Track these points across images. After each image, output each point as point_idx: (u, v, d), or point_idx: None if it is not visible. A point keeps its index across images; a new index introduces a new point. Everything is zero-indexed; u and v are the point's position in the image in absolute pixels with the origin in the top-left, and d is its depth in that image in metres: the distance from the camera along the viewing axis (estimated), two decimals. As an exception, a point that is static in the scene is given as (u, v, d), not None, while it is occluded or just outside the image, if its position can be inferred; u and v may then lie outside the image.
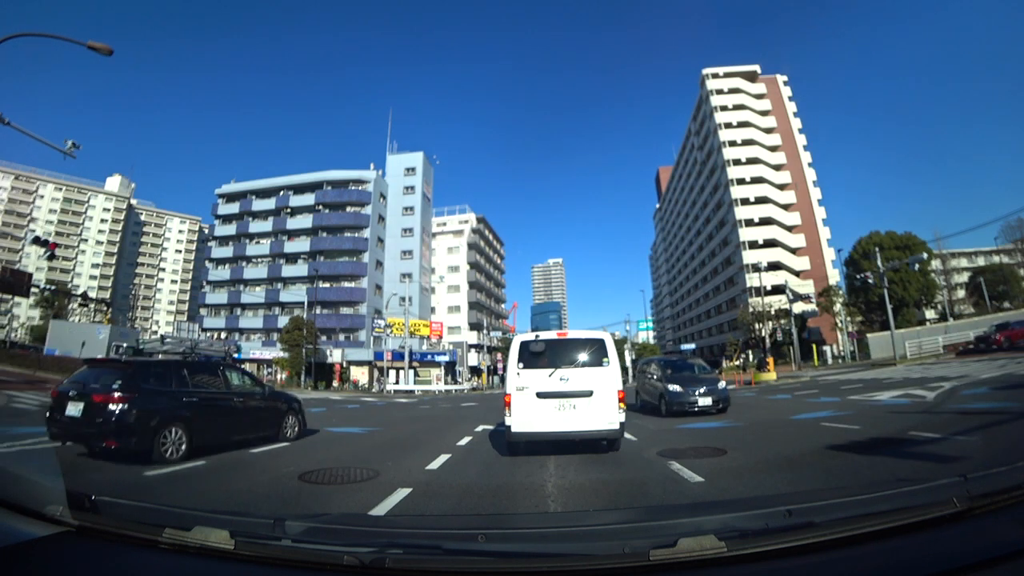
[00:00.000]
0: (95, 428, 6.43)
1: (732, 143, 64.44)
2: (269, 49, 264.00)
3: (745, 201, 62.19)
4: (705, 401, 11.91)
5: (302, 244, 59.40)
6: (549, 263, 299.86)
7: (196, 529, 1.37)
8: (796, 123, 66.28)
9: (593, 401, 6.71)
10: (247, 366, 51.67)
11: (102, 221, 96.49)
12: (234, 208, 63.63)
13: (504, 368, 11.23)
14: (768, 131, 65.24)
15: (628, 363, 57.38)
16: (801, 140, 65.44)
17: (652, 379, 14.03)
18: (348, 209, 59.77)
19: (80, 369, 7.55)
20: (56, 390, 7.06)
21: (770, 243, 60.41)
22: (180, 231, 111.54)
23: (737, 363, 49.78)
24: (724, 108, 66.27)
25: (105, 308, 49.21)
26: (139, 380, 7.01)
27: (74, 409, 6.60)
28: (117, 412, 6.46)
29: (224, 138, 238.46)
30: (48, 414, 6.90)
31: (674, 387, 12.38)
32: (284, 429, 9.17)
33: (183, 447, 6.94)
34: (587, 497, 4.76)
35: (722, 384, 12.73)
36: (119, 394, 6.58)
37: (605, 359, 6.95)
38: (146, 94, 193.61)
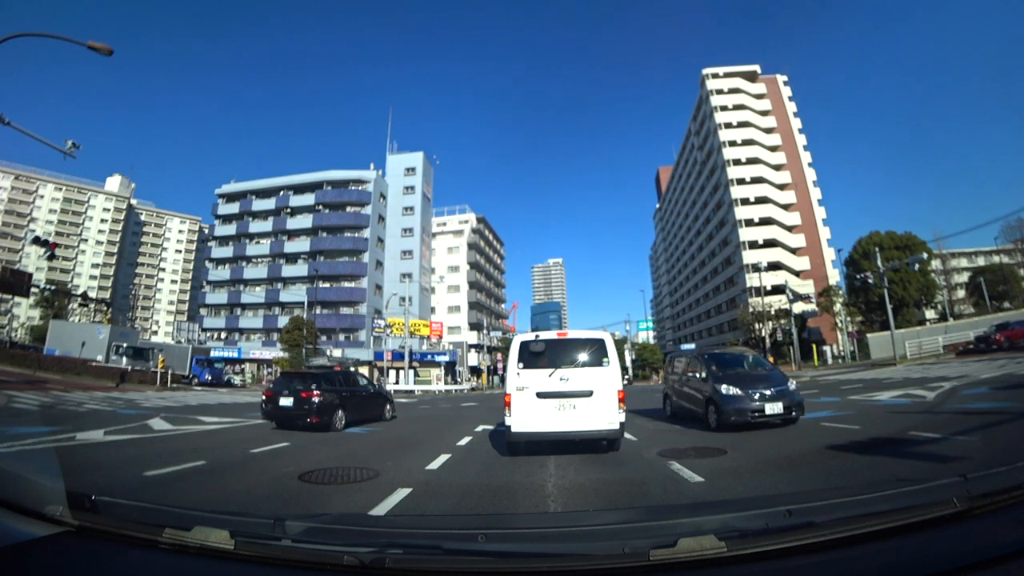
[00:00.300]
0: (303, 411, 10.84)
1: (732, 143, 64.44)
2: (269, 49, 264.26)
3: (745, 201, 62.19)
4: (774, 407, 8.60)
5: (302, 244, 59.41)
6: (549, 263, 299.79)
7: (196, 529, 1.37)
8: (796, 123, 66.30)
9: (593, 401, 6.71)
10: (247, 366, 51.92)
11: (102, 221, 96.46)
12: (234, 208, 63.64)
13: (504, 368, 11.10)
14: (768, 131, 65.25)
15: (628, 363, 57.42)
16: (801, 140, 65.45)
17: (692, 379, 10.74)
18: (348, 209, 59.78)
19: (278, 377, 14.15)
20: (269, 390, 11.74)
21: (770, 243, 60.41)
22: (180, 231, 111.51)
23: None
24: (724, 108, 66.27)
25: (105, 308, 49.23)
26: (321, 383, 11.47)
27: (286, 401, 11.10)
28: (316, 402, 10.91)
29: (224, 138, 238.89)
30: (263, 405, 11.56)
31: (728, 389, 9.12)
32: (385, 413, 13.88)
33: (343, 422, 11.39)
34: (587, 497, 4.76)
35: (792, 384, 9.40)
36: (316, 391, 11.03)
37: (605, 359, 6.95)
38: (146, 94, 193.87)
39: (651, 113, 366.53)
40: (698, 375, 10.41)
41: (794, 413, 8.83)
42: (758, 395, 8.88)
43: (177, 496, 4.84)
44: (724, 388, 9.23)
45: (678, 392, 11.74)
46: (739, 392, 9.04)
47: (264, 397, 11.73)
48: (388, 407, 14.12)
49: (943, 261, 61.34)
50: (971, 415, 8.31)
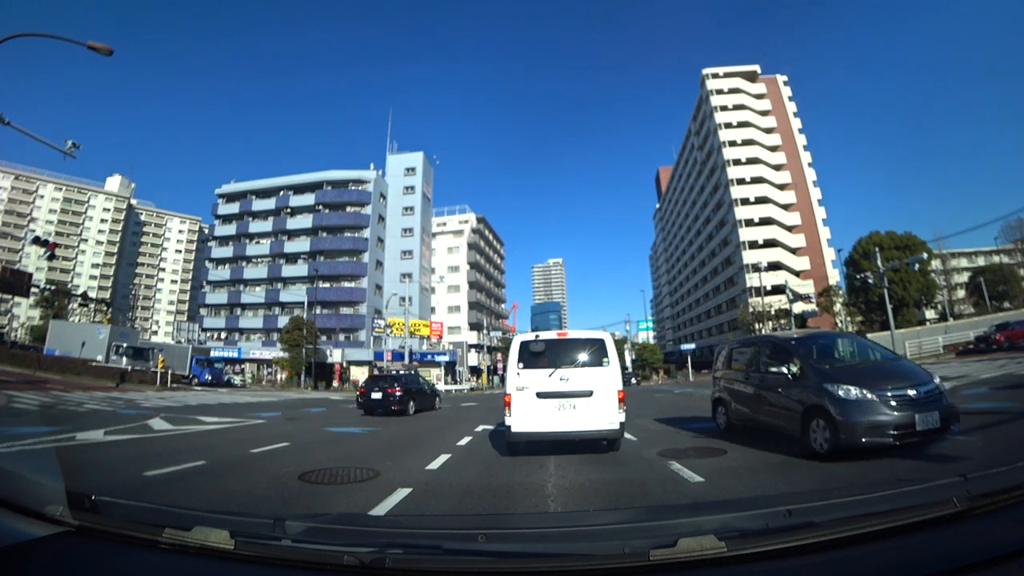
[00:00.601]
0: (388, 402, 15.29)
1: (732, 143, 64.45)
2: (269, 49, 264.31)
3: (745, 201, 62.20)
4: (928, 420, 5.47)
5: (302, 244, 59.39)
6: (549, 263, 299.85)
7: (196, 529, 1.36)
8: (796, 123, 66.32)
9: (593, 401, 6.70)
10: (247, 366, 51.90)
11: (102, 221, 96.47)
12: (234, 208, 63.63)
13: (504, 368, 11.09)
14: (768, 131, 65.25)
15: (628, 363, 57.39)
16: (801, 140, 65.47)
17: (771, 377, 7.16)
18: (348, 209, 59.77)
19: (367, 378, 19.12)
20: (363, 387, 16.41)
21: (770, 243, 60.41)
22: (180, 231, 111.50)
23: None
24: (724, 108, 66.28)
25: (105, 308, 49.22)
26: (400, 381, 16.24)
27: (376, 395, 15.42)
28: (397, 395, 15.40)
29: (224, 138, 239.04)
30: (358, 398, 16.38)
31: (849, 391, 5.80)
32: (436, 404, 18.76)
33: (413, 409, 15.90)
34: (587, 497, 4.76)
35: (936, 380, 6.14)
36: (397, 388, 15.59)
37: (605, 359, 6.95)
38: (146, 94, 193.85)
39: (651, 113, 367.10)
40: (783, 370, 6.80)
41: (953, 427, 5.74)
42: (896, 400, 5.60)
43: (177, 496, 4.84)
44: (841, 390, 5.81)
45: (742, 397, 8.01)
46: (868, 395, 5.67)
47: (359, 392, 16.79)
48: (437, 400, 19.35)
49: (943, 261, 61.34)
50: (971, 415, 8.30)
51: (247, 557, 1.31)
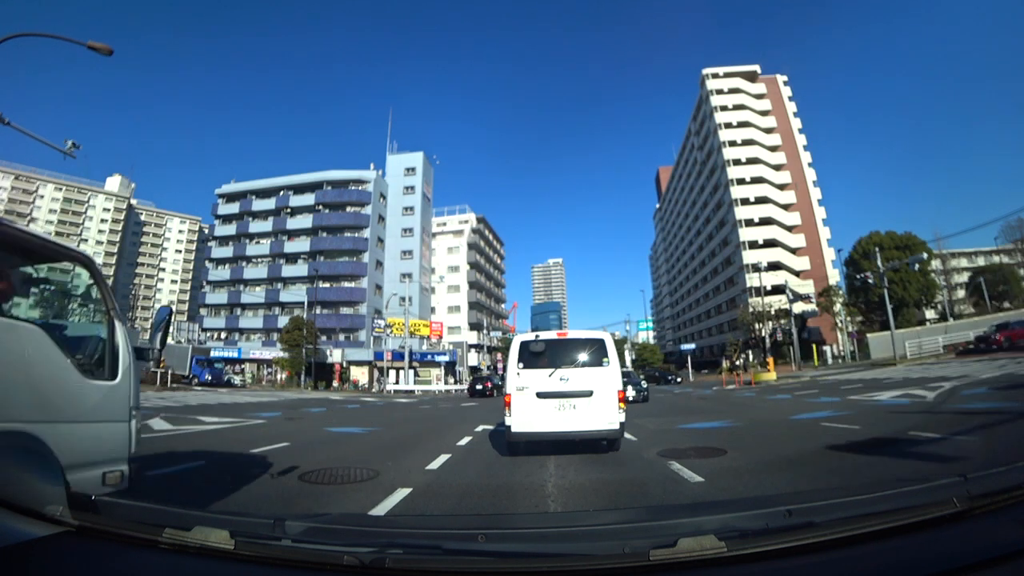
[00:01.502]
0: (487, 390, 32.14)
1: (732, 143, 64.48)
2: (269, 49, 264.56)
3: (745, 201, 62.21)
4: None
5: (302, 244, 59.41)
6: (549, 263, 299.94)
7: (196, 529, 1.36)
8: (796, 123, 66.35)
9: (593, 401, 6.70)
10: (247, 366, 51.92)
11: (102, 221, 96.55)
12: (234, 208, 63.66)
13: (504, 368, 11.09)
14: (768, 131, 65.27)
15: (628, 363, 57.37)
16: (801, 140, 65.49)
17: None
18: (348, 209, 59.80)
19: (473, 376, 42.29)
20: (471, 381, 36.45)
21: (770, 243, 60.43)
22: (180, 231, 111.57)
23: (738, 363, 49.91)
24: (724, 108, 66.31)
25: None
26: (488, 377, 35.83)
27: (479, 387, 32.85)
28: (490, 386, 32.48)
29: (224, 138, 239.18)
30: (468, 389, 35.38)
31: None
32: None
33: (496, 394, 30.07)
34: (587, 497, 4.75)
35: None
36: (489, 383, 32.87)
37: (605, 359, 6.94)
38: (145, 94, 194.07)
39: (651, 113, 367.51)
40: None
41: None
42: None
43: (177, 496, 4.84)
44: None
45: None
46: None
47: (469, 384, 34.97)
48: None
49: (943, 261, 61.39)
50: (971, 415, 8.32)
51: (247, 557, 1.31)
